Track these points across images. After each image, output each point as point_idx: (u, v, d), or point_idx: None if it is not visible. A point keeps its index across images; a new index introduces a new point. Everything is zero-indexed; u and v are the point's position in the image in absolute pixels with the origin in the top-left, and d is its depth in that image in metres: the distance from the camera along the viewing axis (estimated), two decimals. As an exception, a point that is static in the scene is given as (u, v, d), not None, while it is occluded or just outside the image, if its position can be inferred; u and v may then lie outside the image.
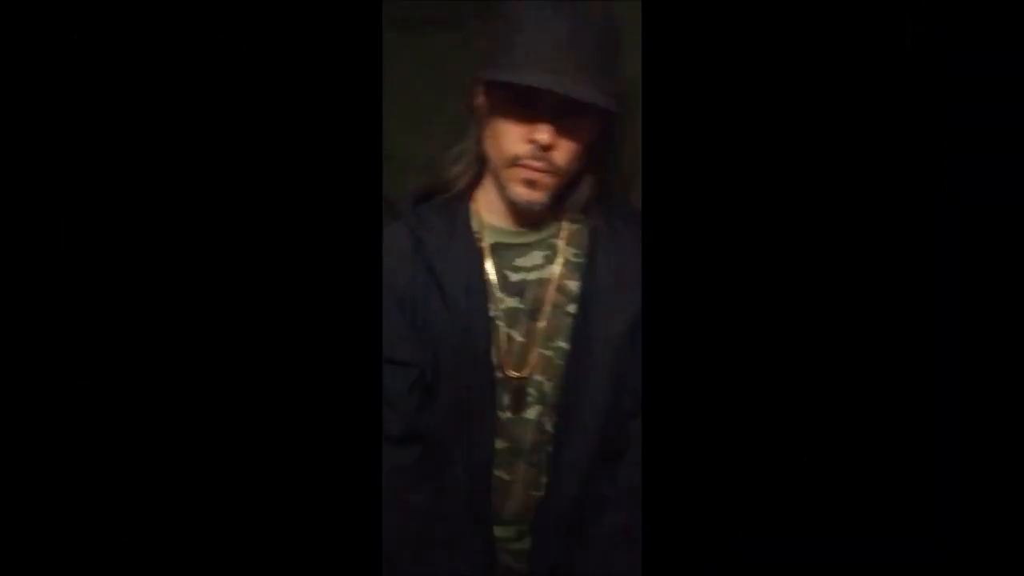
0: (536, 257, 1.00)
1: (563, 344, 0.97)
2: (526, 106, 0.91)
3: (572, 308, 0.98)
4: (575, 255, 1.00)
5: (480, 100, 0.97)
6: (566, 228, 1.01)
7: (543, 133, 0.90)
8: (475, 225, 1.01)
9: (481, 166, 1.00)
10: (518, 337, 0.98)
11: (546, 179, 0.94)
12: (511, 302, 0.98)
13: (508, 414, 0.98)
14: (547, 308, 0.98)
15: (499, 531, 0.99)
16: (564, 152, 0.93)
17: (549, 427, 0.98)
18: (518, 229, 1.00)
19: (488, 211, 1.01)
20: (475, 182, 1.01)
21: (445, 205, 1.02)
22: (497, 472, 0.98)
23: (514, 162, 0.93)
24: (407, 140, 1.40)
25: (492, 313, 0.97)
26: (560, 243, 1.00)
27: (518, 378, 0.97)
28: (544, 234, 1.01)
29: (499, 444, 0.98)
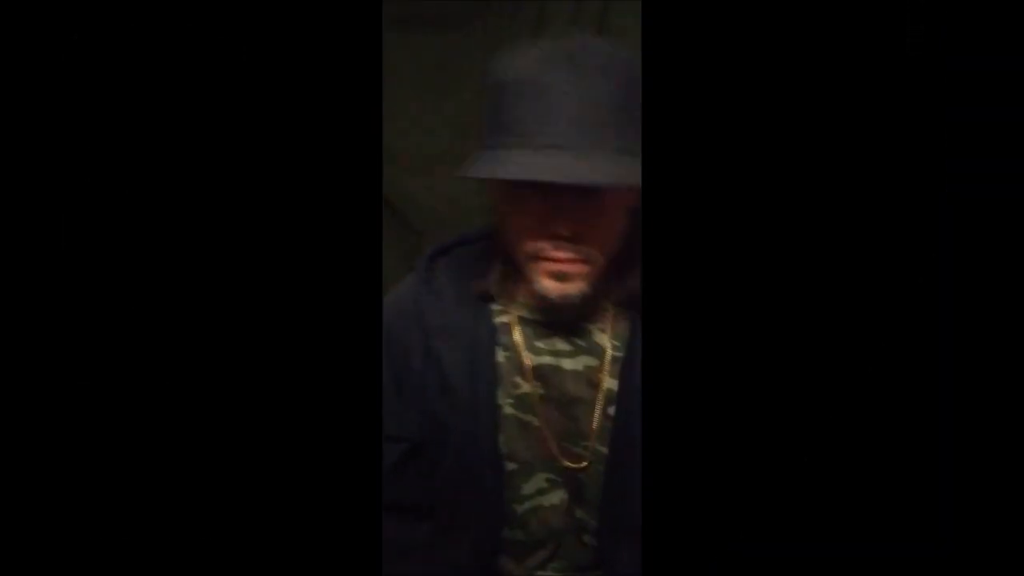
0: (565, 344, 0.86)
1: (600, 448, 0.85)
2: (533, 195, 0.76)
3: (609, 408, 0.85)
4: (615, 347, 0.85)
5: (490, 185, 0.81)
6: (611, 314, 0.86)
7: (561, 226, 0.76)
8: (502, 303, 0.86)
9: (508, 254, 0.84)
10: (542, 426, 0.85)
11: (579, 268, 0.78)
12: (525, 387, 0.85)
13: (528, 504, 0.86)
14: (581, 407, 0.85)
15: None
16: (595, 238, 0.78)
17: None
18: (551, 316, 0.86)
19: (514, 284, 0.85)
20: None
21: (465, 264, 0.88)
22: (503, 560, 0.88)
23: (535, 257, 0.79)
24: (407, 140, 1.40)
25: (501, 402, 0.85)
26: (599, 332, 0.86)
27: (575, 469, 0.85)
28: (577, 315, 0.85)
29: (515, 535, 0.87)
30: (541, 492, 0.87)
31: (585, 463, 0.84)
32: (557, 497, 0.86)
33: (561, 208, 0.75)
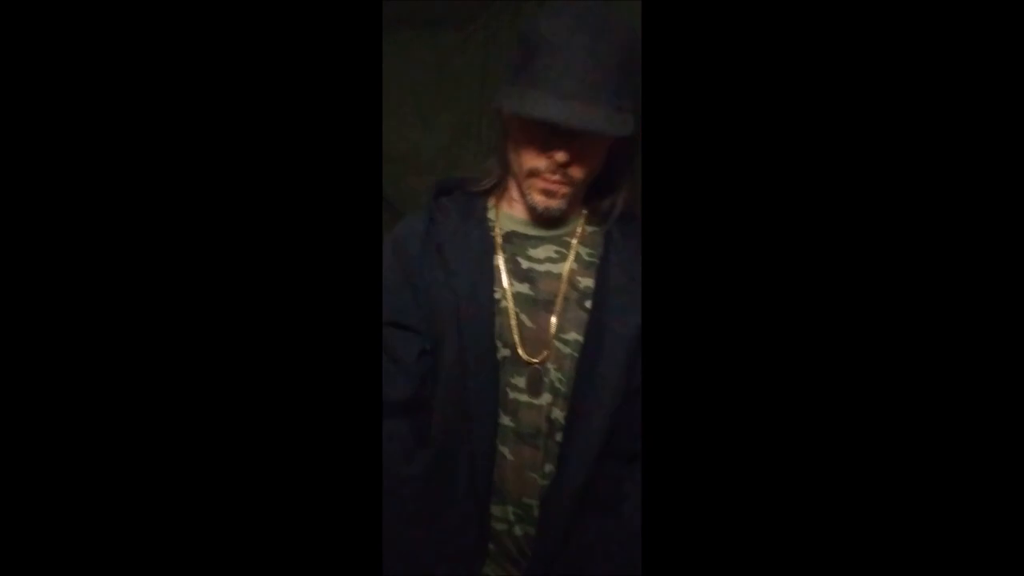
0: (549, 250, 1.03)
1: (576, 336, 1.00)
2: (543, 127, 0.94)
3: (586, 303, 1.01)
4: (589, 254, 1.04)
5: (501, 117, 1.01)
6: (581, 229, 1.05)
7: (560, 153, 0.95)
8: (491, 216, 1.06)
9: (505, 171, 1.05)
10: (528, 323, 1.00)
11: (563, 189, 0.99)
12: (520, 287, 1.01)
13: (521, 396, 1.00)
14: (559, 300, 1.01)
15: (496, 509, 1.01)
16: (581, 167, 0.98)
17: (559, 416, 0.99)
18: (535, 226, 1.05)
19: (508, 206, 1.06)
20: (498, 184, 1.06)
21: (466, 199, 1.07)
22: (501, 448, 0.99)
23: (533, 174, 0.99)
24: (408, 140, 1.40)
25: (498, 296, 1.00)
26: (574, 242, 1.04)
27: (533, 363, 0.99)
28: (559, 232, 1.05)
29: (505, 421, 1.00)
30: (512, 386, 1.01)
31: (541, 357, 1.00)
32: (544, 399, 1.00)
33: (563, 141, 0.95)
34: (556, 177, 0.97)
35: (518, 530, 1.00)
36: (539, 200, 0.99)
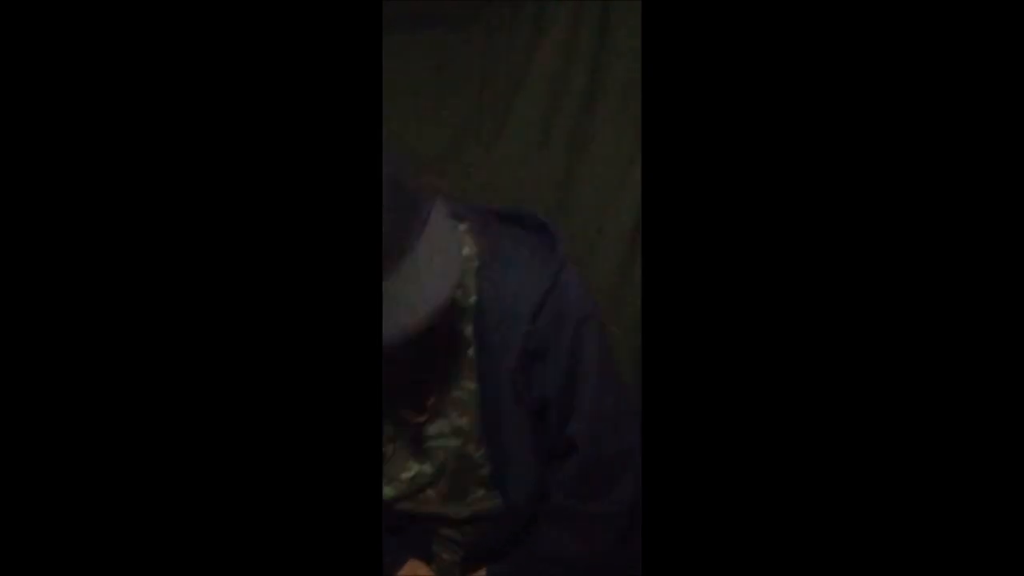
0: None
1: (470, 384, 1.00)
2: None
3: (470, 353, 1.00)
4: (463, 299, 1.00)
5: None
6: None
7: None
8: None
9: None
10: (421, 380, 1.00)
11: None
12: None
13: (411, 447, 1.03)
14: (446, 356, 1.00)
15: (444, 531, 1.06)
16: None
17: (473, 451, 1.02)
18: None
19: None
20: None
21: None
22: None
23: None
24: (408, 139, 1.40)
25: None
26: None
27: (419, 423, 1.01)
28: None
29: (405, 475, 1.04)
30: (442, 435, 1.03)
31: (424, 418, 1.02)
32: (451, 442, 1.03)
33: None
34: None
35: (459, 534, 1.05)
36: None
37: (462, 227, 1.01)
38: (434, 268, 0.87)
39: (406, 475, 1.04)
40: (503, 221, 1.05)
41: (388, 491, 1.03)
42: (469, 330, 1.00)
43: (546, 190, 1.32)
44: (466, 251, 1.00)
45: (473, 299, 1.00)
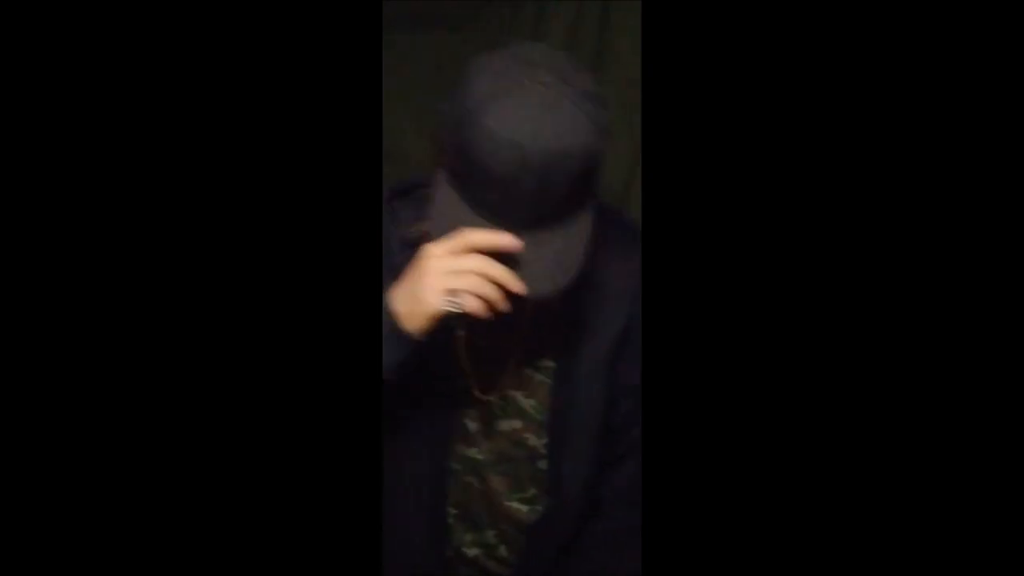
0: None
1: (549, 363, 0.96)
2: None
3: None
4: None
5: None
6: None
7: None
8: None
9: None
10: (487, 351, 0.95)
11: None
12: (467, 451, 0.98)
13: (476, 424, 0.97)
14: (518, 328, 0.94)
15: (472, 536, 1.00)
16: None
17: (534, 442, 0.97)
18: None
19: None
20: None
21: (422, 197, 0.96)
22: (468, 478, 0.98)
23: None
24: (407, 140, 1.40)
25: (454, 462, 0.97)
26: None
27: (487, 400, 0.96)
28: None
29: (469, 452, 0.97)
30: (489, 546, 1.00)
31: (497, 394, 0.95)
32: (504, 550, 0.99)
33: None
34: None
35: (503, 552, 0.99)
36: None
37: None
38: (572, 237, 0.82)
39: (470, 452, 0.98)
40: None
41: (453, 464, 0.98)
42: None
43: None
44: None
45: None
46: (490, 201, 0.79)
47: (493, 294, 0.79)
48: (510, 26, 1.33)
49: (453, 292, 0.79)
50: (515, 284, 0.79)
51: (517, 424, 0.97)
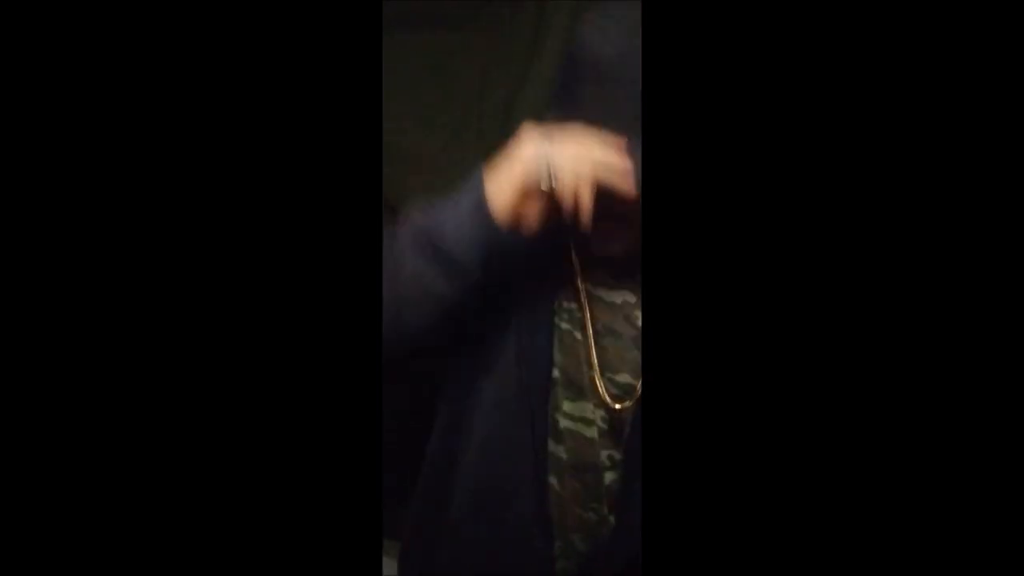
0: (606, 274, 0.94)
1: (628, 379, 0.92)
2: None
3: (636, 340, 0.92)
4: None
5: None
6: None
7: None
8: None
9: None
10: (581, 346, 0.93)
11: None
12: (572, 307, 0.94)
13: (568, 423, 0.93)
14: (609, 335, 0.93)
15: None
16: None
17: (607, 457, 0.93)
18: None
19: None
20: None
21: None
22: (549, 478, 0.93)
23: None
24: (407, 140, 1.40)
25: (558, 313, 0.93)
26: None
27: (616, 407, 0.92)
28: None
29: (554, 450, 0.93)
30: (584, 421, 0.93)
31: (627, 403, 0.90)
32: (595, 431, 0.92)
33: None
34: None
35: (563, 564, 0.94)
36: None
37: None
38: None
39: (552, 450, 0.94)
40: None
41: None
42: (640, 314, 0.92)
43: (546, 191, 1.32)
44: None
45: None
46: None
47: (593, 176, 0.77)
48: (510, 26, 1.33)
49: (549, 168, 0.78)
50: (620, 178, 0.77)
51: (630, 298, 0.93)
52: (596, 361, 0.91)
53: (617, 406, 0.91)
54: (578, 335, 0.93)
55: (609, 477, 0.93)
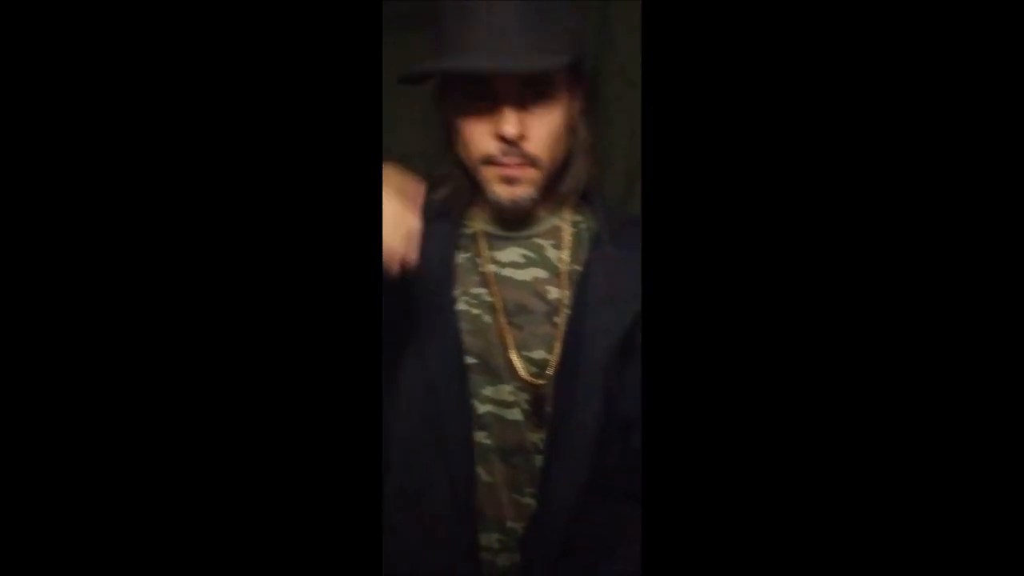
0: (514, 254, 0.95)
1: (543, 355, 0.92)
2: (485, 99, 0.86)
3: (554, 318, 0.93)
4: (564, 261, 0.95)
5: (440, 102, 0.93)
6: (560, 230, 0.96)
7: (508, 124, 0.86)
8: (466, 216, 0.97)
9: (462, 171, 0.94)
10: (492, 327, 0.92)
11: (527, 173, 0.89)
12: (479, 291, 0.94)
13: (488, 407, 0.93)
14: (522, 313, 0.93)
15: (480, 538, 0.94)
16: (538, 140, 0.88)
17: (536, 439, 0.93)
18: (505, 226, 0.96)
19: (480, 207, 0.96)
20: (461, 187, 0.96)
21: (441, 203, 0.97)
22: (477, 468, 0.93)
23: (487, 162, 0.89)
24: (407, 139, 1.40)
25: (465, 299, 0.93)
26: (547, 244, 0.95)
27: (536, 384, 0.92)
28: (529, 232, 0.95)
29: (480, 438, 0.93)
30: (505, 404, 0.93)
31: (542, 381, 0.91)
32: (518, 412, 0.92)
33: (505, 111, 0.85)
34: (513, 159, 0.87)
35: (504, 560, 0.93)
36: (501, 192, 0.89)
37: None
38: None
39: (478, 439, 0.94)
40: (630, 221, 0.99)
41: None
42: (564, 294, 0.93)
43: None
44: (579, 219, 0.96)
45: (578, 267, 0.94)
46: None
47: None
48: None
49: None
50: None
51: (541, 274, 0.94)
52: (511, 341, 0.91)
53: (540, 382, 0.91)
54: (488, 318, 0.92)
55: (539, 460, 0.92)
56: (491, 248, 0.95)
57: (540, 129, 0.88)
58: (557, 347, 0.92)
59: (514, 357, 0.91)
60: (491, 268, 0.94)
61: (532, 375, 0.92)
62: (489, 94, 0.86)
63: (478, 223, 0.96)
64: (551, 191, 0.94)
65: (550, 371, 0.92)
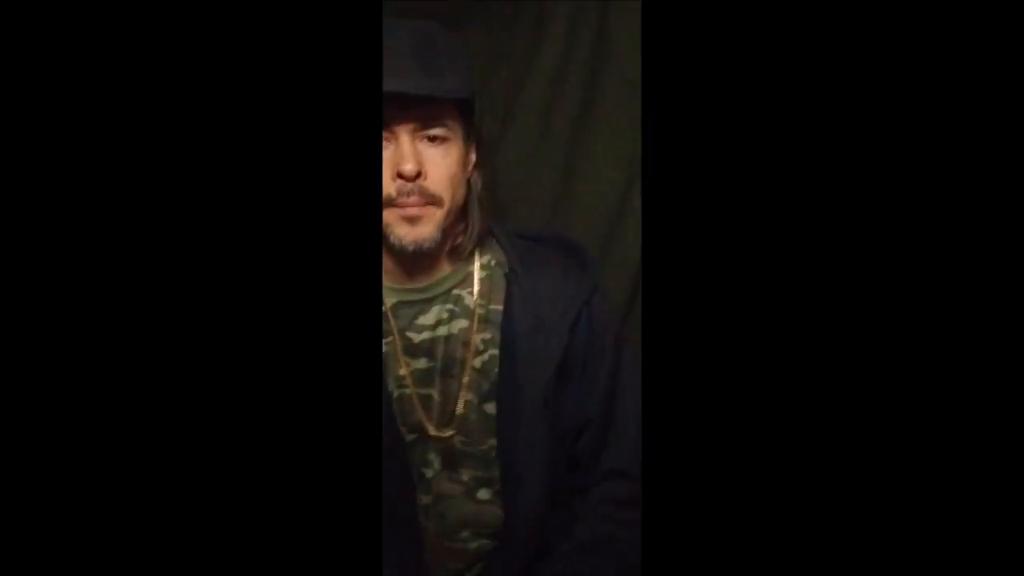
0: (438, 313, 0.96)
1: (483, 404, 0.95)
2: (383, 140, 0.87)
3: (479, 363, 0.95)
4: (483, 305, 0.96)
5: None
6: (474, 275, 0.97)
7: (407, 162, 0.86)
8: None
9: None
10: (435, 397, 0.96)
11: (427, 212, 0.89)
12: (417, 364, 0.96)
13: (439, 474, 0.97)
14: (456, 367, 0.96)
15: None
16: (437, 178, 0.89)
17: (485, 495, 0.97)
18: (415, 283, 0.96)
19: (386, 271, 0.95)
20: None
21: None
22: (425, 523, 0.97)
23: (388, 203, 0.88)
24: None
25: (399, 375, 0.95)
26: (464, 294, 0.97)
27: (446, 438, 0.96)
28: (444, 286, 0.96)
29: (425, 501, 0.97)
30: (426, 464, 0.97)
31: (451, 433, 0.95)
32: (466, 475, 0.97)
33: (403, 148, 0.86)
34: (413, 198, 0.87)
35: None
36: (404, 234, 0.88)
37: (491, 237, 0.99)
38: None
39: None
40: (534, 239, 1.01)
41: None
42: (488, 337, 0.96)
43: (545, 191, 1.32)
44: (487, 258, 0.98)
45: (498, 307, 0.96)
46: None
47: None
48: (510, 26, 1.33)
49: None
50: None
51: (464, 324, 0.96)
52: (421, 402, 0.95)
53: (438, 433, 0.95)
54: (408, 390, 0.96)
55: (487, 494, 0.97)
56: (412, 318, 0.96)
57: (438, 168, 0.89)
58: (470, 394, 0.95)
59: (425, 420, 0.95)
60: (421, 336, 0.96)
61: (441, 428, 0.96)
62: (388, 135, 0.87)
63: (389, 296, 0.96)
64: (453, 239, 0.95)
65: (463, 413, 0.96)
